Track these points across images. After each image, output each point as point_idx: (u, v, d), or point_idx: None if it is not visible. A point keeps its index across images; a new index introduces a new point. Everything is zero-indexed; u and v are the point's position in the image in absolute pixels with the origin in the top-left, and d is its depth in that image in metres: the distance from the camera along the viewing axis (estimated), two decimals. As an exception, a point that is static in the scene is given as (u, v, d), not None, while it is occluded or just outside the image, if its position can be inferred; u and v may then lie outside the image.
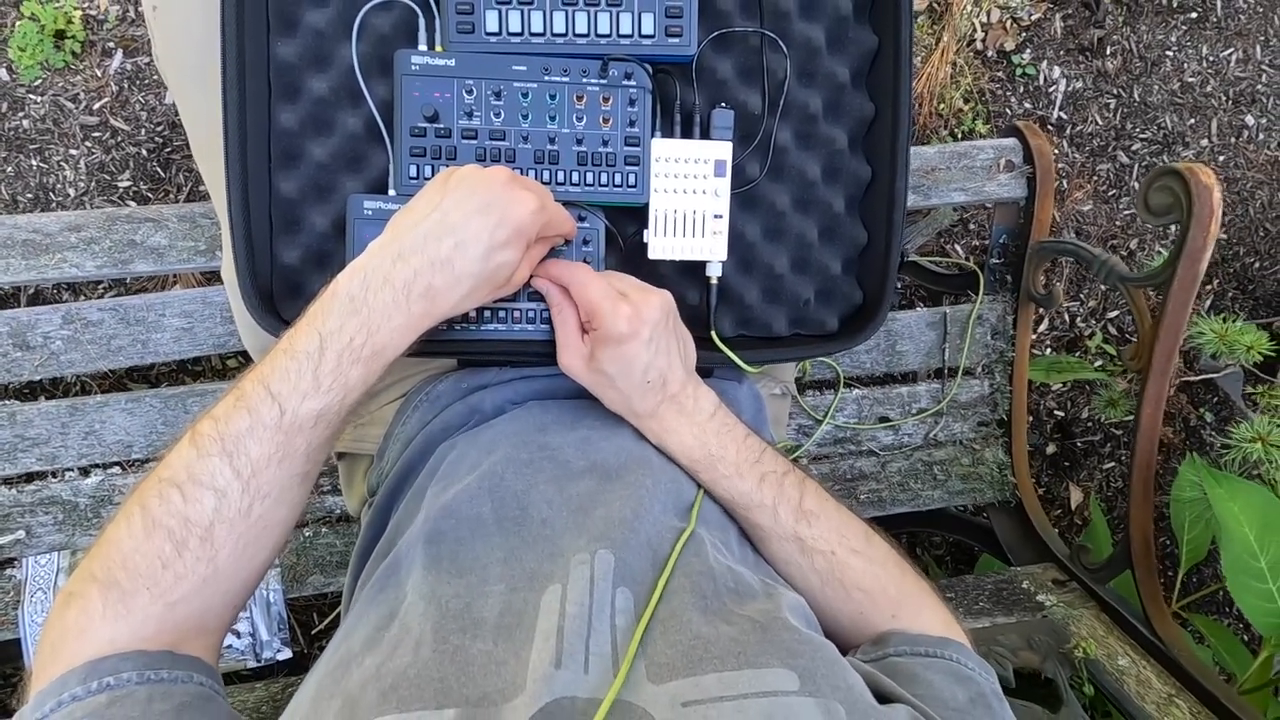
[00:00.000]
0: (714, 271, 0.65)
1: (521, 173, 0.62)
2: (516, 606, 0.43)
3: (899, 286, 1.46)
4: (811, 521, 0.54)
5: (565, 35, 0.61)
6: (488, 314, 0.61)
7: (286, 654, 0.97)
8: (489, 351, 0.62)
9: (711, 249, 0.64)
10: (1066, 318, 1.55)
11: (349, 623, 0.47)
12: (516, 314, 0.61)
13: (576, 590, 0.44)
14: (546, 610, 0.43)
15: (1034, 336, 1.54)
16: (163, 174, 1.33)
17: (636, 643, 0.41)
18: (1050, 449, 1.54)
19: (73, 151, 1.30)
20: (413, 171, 0.62)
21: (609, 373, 0.54)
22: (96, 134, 1.31)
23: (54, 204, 1.30)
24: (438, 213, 0.49)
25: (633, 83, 0.62)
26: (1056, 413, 1.55)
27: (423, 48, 0.62)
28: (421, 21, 0.62)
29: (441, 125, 0.61)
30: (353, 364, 0.47)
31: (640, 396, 0.55)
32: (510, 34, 0.61)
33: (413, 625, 0.43)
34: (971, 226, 1.52)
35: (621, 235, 0.66)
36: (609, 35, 0.61)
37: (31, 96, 1.29)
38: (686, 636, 0.42)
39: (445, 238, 0.49)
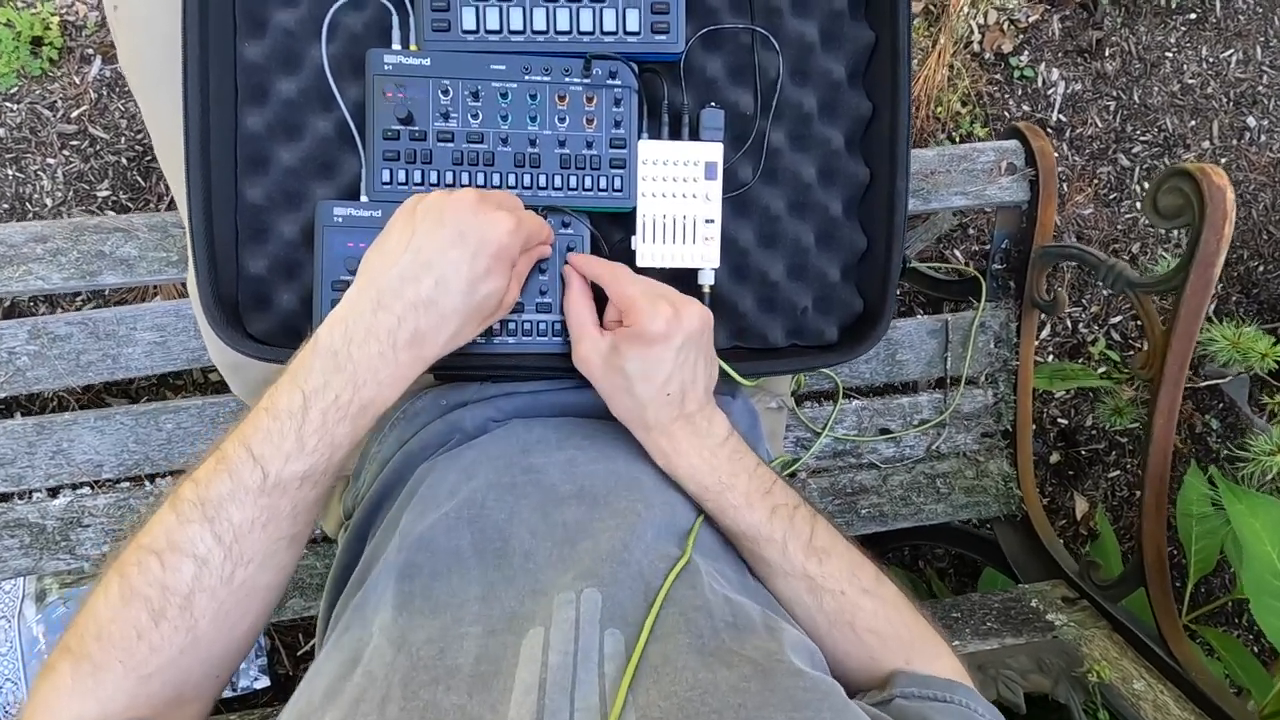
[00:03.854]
0: (706, 280, 0.62)
1: (501, 178, 0.59)
2: (494, 652, 0.40)
3: (898, 293, 1.43)
4: (822, 559, 0.51)
5: (546, 33, 0.58)
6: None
7: (264, 682, 0.93)
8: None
9: (703, 256, 0.61)
10: (1069, 324, 1.52)
11: (316, 664, 0.44)
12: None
13: (560, 635, 0.40)
14: (527, 658, 0.39)
15: (1036, 343, 1.51)
16: (143, 183, 1.29)
17: (623, 697, 0.38)
18: (1054, 458, 1.51)
19: (50, 160, 1.27)
20: (386, 177, 0.58)
21: (629, 373, 0.51)
22: (75, 142, 1.28)
23: (30, 214, 1.26)
24: (409, 251, 0.47)
25: (618, 82, 0.59)
26: (1060, 421, 1.52)
27: (396, 47, 0.59)
28: (395, 20, 0.59)
29: (416, 128, 0.58)
30: (339, 422, 0.45)
31: (655, 407, 0.52)
32: (488, 32, 0.58)
33: (379, 676, 0.39)
34: (971, 231, 1.49)
35: (608, 242, 0.63)
36: (592, 32, 0.58)
37: (8, 104, 1.26)
38: (682, 686, 0.38)
39: (423, 277, 0.46)
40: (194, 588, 0.42)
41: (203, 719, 0.46)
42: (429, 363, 0.48)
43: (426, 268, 0.46)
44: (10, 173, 1.26)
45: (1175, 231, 1.52)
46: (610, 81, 0.59)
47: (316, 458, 0.44)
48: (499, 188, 0.59)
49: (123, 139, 1.29)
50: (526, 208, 0.55)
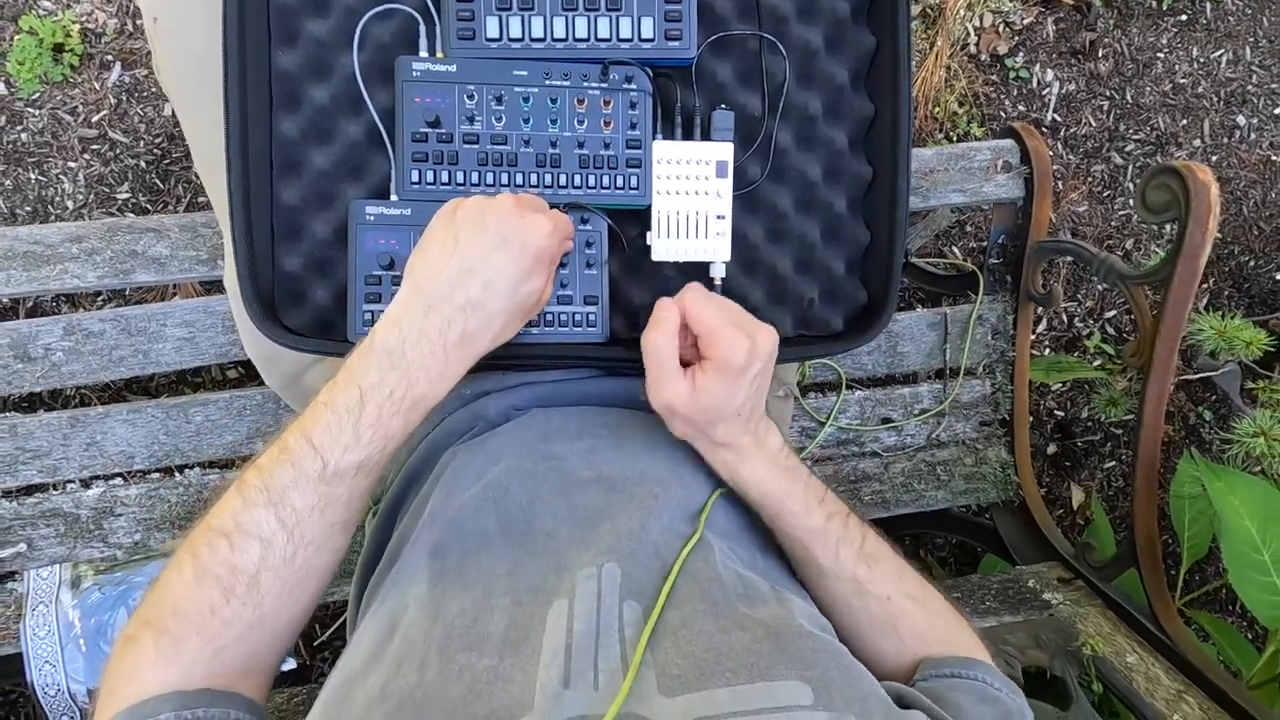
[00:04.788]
0: (717, 272, 0.66)
1: (524, 177, 0.63)
2: (522, 621, 0.43)
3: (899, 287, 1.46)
4: (871, 565, 0.53)
5: (565, 40, 0.62)
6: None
7: (290, 664, 0.96)
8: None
9: (715, 250, 0.65)
10: (1065, 318, 1.56)
11: (356, 637, 0.47)
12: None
13: (583, 606, 0.43)
14: (553, 626, 0.42)
15: (1033, 337, 1.54)
16: (162, 185, 1.33)
17: (642, 651, 0.41)
18: (1051, 449, 1.54)
19: (71, 164, 1.30)
20: (414, 177, 0.62)
21: (711, 406, 0.52)
22: (95, 146, 1.31)
23: (53, 216, 1.30)
24: (456, 256, 0.50)
25: (633, 86, 0.62)
26: (1056, 413, 1.55)
27: (424, 54, 0.62)
28: (422, 29, 0.62)
29: (443, 130, 0.62)
30: (393, 416, 0.48)
31: (725, 428, 0.53)
32: (511, 39, 0.62)
33: (416, 641, 0.43)
34: (968, 228, 1.52)
35: (625, 237, 0.66)
36: (609, 39, 0.62)
37: (30, 110, 1.29)
38: (699, 647, 0.41)
39: (470, 280, 0.49)
40: (260, 567, 0.45)
41: (267, 688, 0.49)
42: (476, 359, 0.51)
43: (472, 272, 0.49)
44: (33, 176, 1.29)
45: (1166, 227, 1.55)
46: (626, 85, 0.62)
47: (371, 449, 0.47)
48: (522, 187, 0.62)
49: (142, 143, 1.32)
50: (550, 206, 0.58)
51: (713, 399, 0.51)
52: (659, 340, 0.52)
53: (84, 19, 1.29)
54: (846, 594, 0.53)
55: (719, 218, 0.64)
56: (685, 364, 0.53)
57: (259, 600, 0.45)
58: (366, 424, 0.47)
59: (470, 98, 0.62)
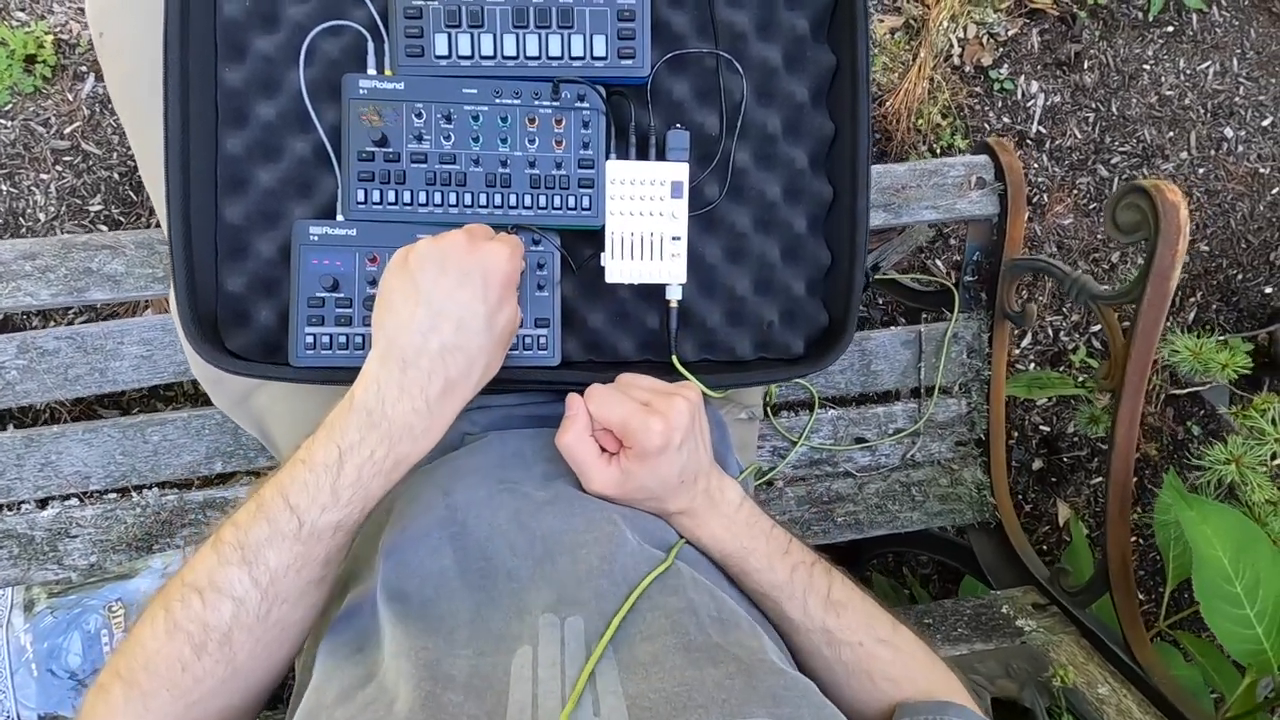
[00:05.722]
0: (674, 294, 0.64)
1: (473, 197, 0.61)
2: (484, 670, 0.42)
3: (879, 303, 1.45)
4: (840, 612, 0.53)
5: (516, 58, 0.60)
6: None
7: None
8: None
9: (670, 272, 0.63)
10: (1050, 332, 1.54)
11: (319, 677, 0.46)
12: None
13: (547, 654, 0.43)
14: (518, 678, 0.42)
15: (1018, 351, 1.53)
16: (135, 197, 1.31)
17: (595, 660, 0.40)
18: (1036, 465, 1.52)
19: (43, 176, 1.29)
20: (361, 197, 0.60)
21: (645, 486, 0.53)
22: (67, 158, 1.30)
23: (24, 229, 1.28)
24: (421, 306, 0.48)
25: (586, 105, 0.61)
26: (1042, 428, 1.53)
27: (372, 72, 0.61)
28: (370, 46, 0.61)
29: (390, 149, 0.60)
30: (374, 477, 0.47)
31: (674, 497, 0.54)
32: (460, 57, 0.60)
33: (389, 686, 0.42)
34: (952, 242, 1.51)
35: (577, 259, 0.64)
36: (561, 58, 0.60)
37: (1, 121, 1.28)
38: (670, 683, 0.41)
39: (442, 325, 0.48)
40: (232, 625, 0.44)
41: None
42: (460, 408, 0.50)
43: (442, 315, 0.48)
44: (4, 188, 1.28)
45: (1144, 244, 1.54)
46: (578, 104, 0.61)
47: (350, 509, 0.46)
48: (470, 207, 0.61)
49: (115, 154, 1.31)
50: (498, 228, 0.56)
51: (643, 481, 0.52)
52: (569, 441, 0.53)
53: (57, 30, 1.28)
54: (819, 644, 0.53)
55: (674, 239, 0.63)
56: (616, 452, 0.53)
57: (231, 657, 0.44)
58: (345, 484, 0.46)
59: (418, 116, 0.60)
